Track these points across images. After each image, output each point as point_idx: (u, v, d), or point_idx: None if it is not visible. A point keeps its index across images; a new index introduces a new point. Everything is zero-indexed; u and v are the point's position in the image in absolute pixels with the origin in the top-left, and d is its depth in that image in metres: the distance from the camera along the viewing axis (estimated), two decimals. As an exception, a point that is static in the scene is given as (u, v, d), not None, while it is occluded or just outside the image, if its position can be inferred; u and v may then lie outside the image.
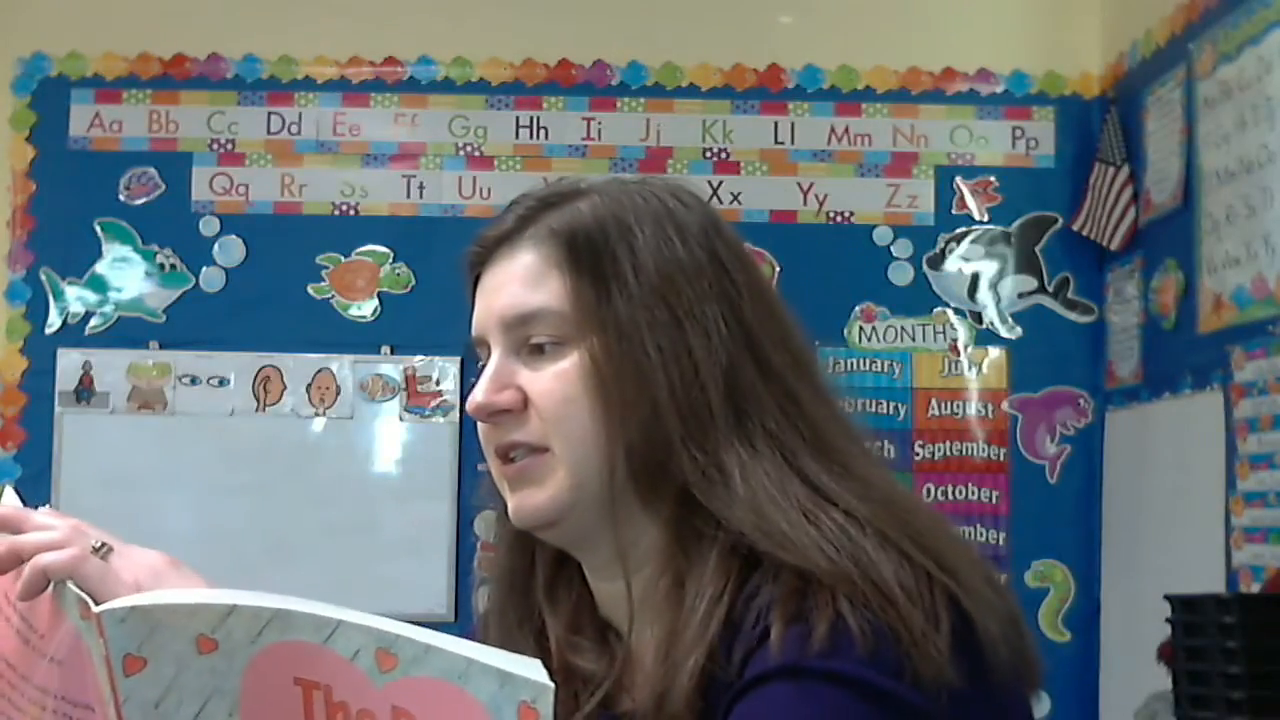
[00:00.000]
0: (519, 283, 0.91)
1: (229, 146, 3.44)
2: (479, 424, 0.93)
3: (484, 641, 0.92)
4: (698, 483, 0.86)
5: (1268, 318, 2.53)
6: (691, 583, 0.85)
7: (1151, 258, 3.06)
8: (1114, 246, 3.19)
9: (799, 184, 3.43)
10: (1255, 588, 2.46)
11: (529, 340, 0.91)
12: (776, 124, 3.46)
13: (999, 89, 3.47)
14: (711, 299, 0.90)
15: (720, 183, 3.43)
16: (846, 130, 3.45)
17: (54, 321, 3.38)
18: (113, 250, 3.40)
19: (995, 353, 3.40)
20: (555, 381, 0.89)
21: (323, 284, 3.39)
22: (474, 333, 0.95)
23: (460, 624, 3.27)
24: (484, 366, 0.94)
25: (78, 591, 0.74)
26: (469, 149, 3.45)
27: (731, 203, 3.41)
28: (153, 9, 3.49)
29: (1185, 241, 2.87)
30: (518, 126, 3.46)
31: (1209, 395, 2.71)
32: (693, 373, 0.87)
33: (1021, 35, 3.50)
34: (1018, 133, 3.44)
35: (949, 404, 3.38)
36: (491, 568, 1.01)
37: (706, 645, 0.81)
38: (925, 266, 3.40)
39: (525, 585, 0.97)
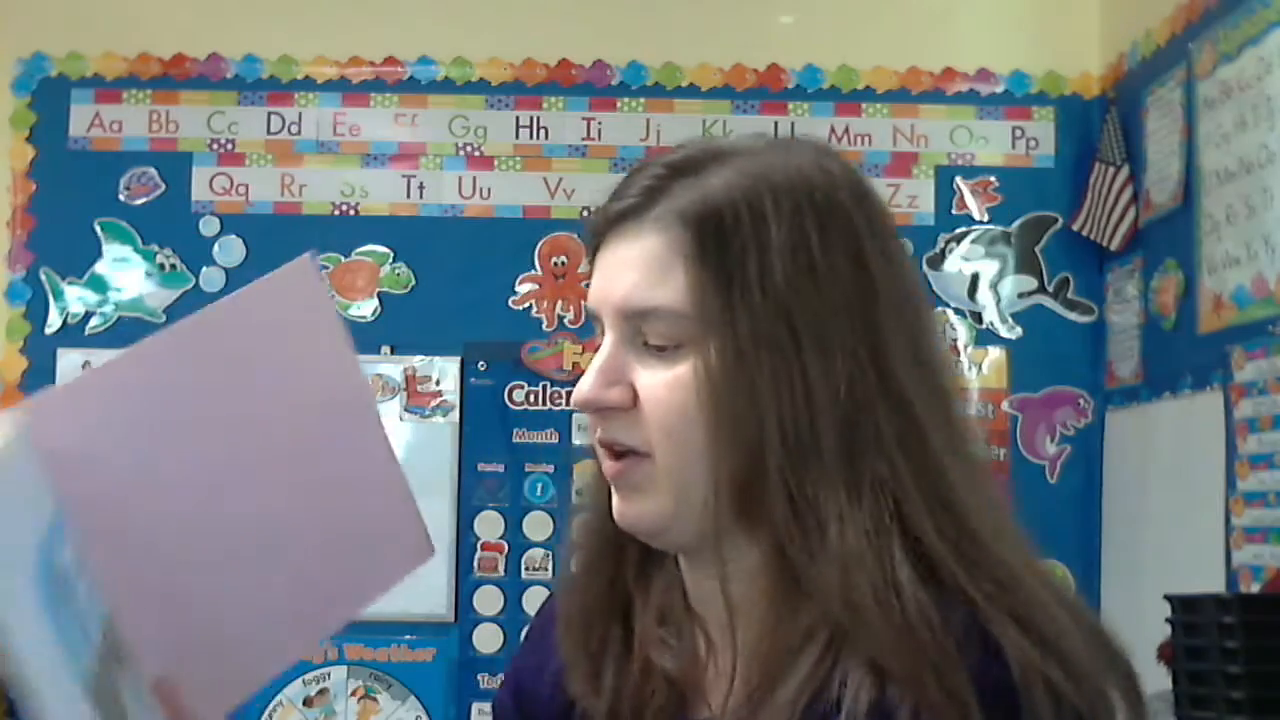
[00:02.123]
0: (640, 271, 0.83)
1: (229, 146, 3.44)
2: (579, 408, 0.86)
3: (564, 619, 0.90)
4: (787, 526, 0.79)
5: (1268, 318, 2.53)
6: (785, 629, 0.80)
7: (1151, 258, 3.06)
8: (1114, 246, 3.19)
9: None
10: (1255, 588, 2.46)
11: (646, 337, 0.83)
12: (776, 124, 3.46)
13: (999, 89, 3.47)
14: (841, 313, 0.80)
15: (720, 183, 3.43)
16: (846, 130, 3.45)
17: (54, 321, 3.38)
18: (113, 250, 3.40)
19: (995, 353, 3.40)
20: (667, 390, 0.81)
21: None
22: (589, 304, 0.88)
23: (460, 624, 3.28)
24: (598, 344, 0.87)
25: None
26: (469, 149, 3.45)
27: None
28: (153, 9, 3.49)
29: (1185, 241, 2.87)
30: (518, 126, 3.46)
31: (1209, 395, 2.71)
32: (805, 401, 0.78)
33: (1021, 35, 3.50)
34: (1018, 133, 3.44)
35: (949, 404, 3.38)
36: (581, 538, 0.93)
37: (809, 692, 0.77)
38: (925, 266, 3.40)
39: (615, 563, 0.91)
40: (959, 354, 3.38)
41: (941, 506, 0.79)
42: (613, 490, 0.86)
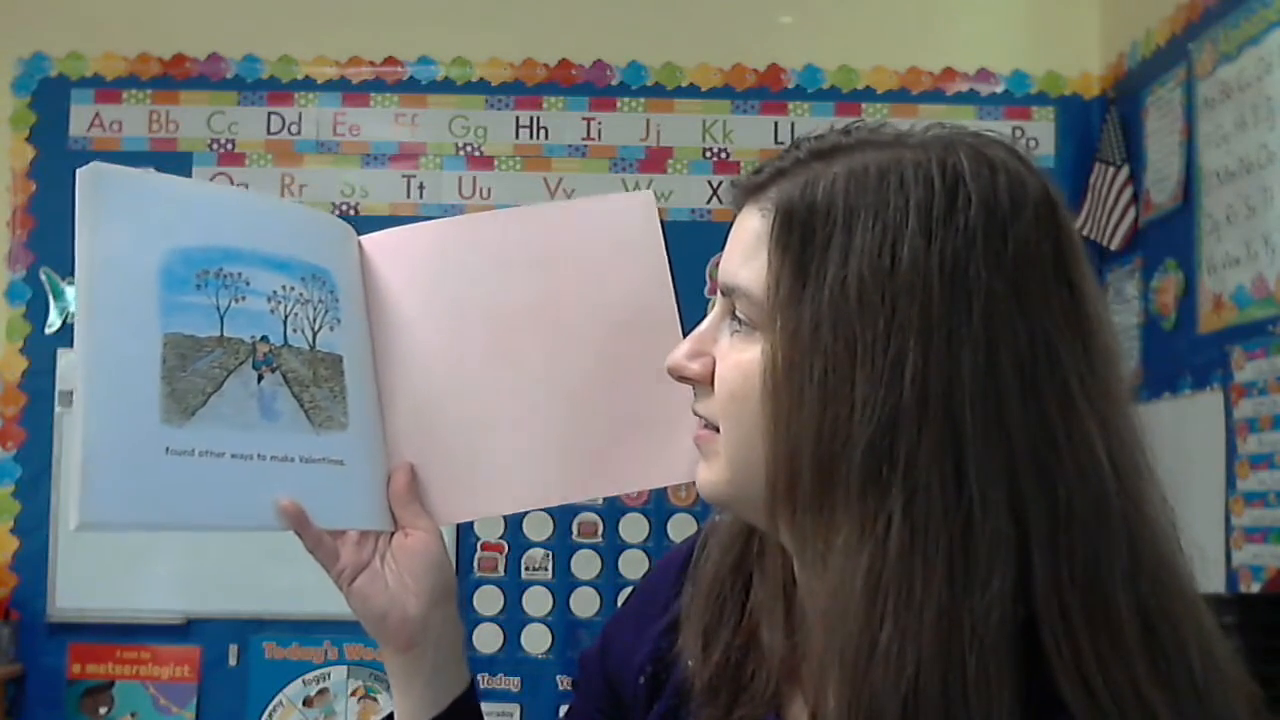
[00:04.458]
0: (739, 249, 0.82)
1: (229, 146, 3.44)
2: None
3: (693, 587, 0.91)
4: (794, 540, 0.78)
5: (1268, 318, 2.53)
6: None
7: (1151, 258, 3.06)
8: (1114, 246, 3.19)
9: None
10: (1255, 588, 2.46)
11: (735, 313, 0.82)
12: (776, 124, 3.46)
13: (999, 89, 3.47)
14: (911, 333, 0.72)
15: (720, 183, 3.43)
16: (846, 130, 3.44)
17: (54, 321, 3.38)
18: (113, 250, 3.40)
19: (995, 353, 3.39)
20: (735, 371, 0.80)
21: (323, 284, 3.39)
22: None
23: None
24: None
25: None
26: (469, 149, 3.45)
27: (732, 203, 3.41)
28: (153, 9, 3.49)
29: (1185, 241, 2.87)
30: (518, 126, 3.46)
31: (1209, 395, 2.71)
32: (844, 415, 0.73)
33: (1021, 35, 3.50)
34: (1018, 133, 3.44)
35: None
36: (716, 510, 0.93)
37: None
38: (925, 266, 3.40)
39: (741, 539, 0.90)
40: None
41: (964, 554, 0.71)
42: None
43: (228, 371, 0.89)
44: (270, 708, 3.26)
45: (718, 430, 0.82)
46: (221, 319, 0.90)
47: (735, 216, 0.85)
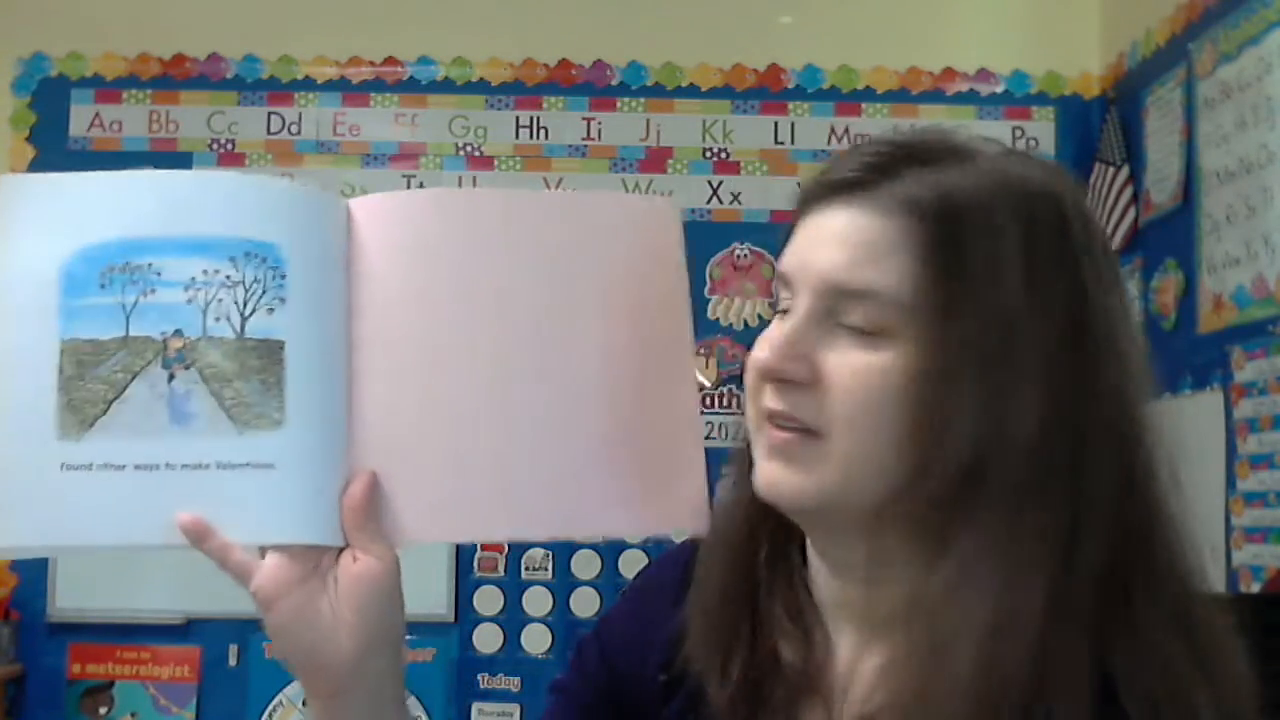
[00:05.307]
0: (852, 249, 0.78)
1: (229, 146, 3.44)
2: (752, 373, 0.83)
3: (699, 599, 0.88)
4: (908, 542, 0.79)
5: (1268, 318, 2.53)
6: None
7: (1151, 258, 3.06)
8: (1114, 246, 3.19)
9: (799, 184, 3.42)
10: (1255, 588, 2.46)
11: (842, 316, 0.79)
12: (776, 124, 3.46)
13: (999, 89, 3.47)
14: (1053, 341, 0.77)
15: (720, 183, 3.43)
16: (846, 130, 3.45)
17: (54, 321, 3.38)
18: (113, 250, 3.40)
19: (995, 353, 3.39)
20: (861, 375, 0.77)
21: (323, 284, 3.39)
22: (781, 268, 0.84)
23: (460, 624, 3.28)
24: (782, 309, 0.83)
25: None
26: (469, 149, 3.45)
27: (731, 203, 3.41)
28: (153, 9, 3.49)
29: (1185, 241, 2.87)
30: (518, 126, 3.46)
31: (1209, 395, 2.71)
32: (995, 426, 0.75)
33: (1021, 35, 3.50)
34: (1018, 133, 3.44)
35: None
36: (723, 517, 0.90)
37: None
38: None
39: (747, 550, 0.88)
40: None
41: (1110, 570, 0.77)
42: (763, 457, 0.83)
43: (132, 375, 0.83)
44: (270, 708, 3.26)
45: (813, 434, 0.79)
46: (127, 318, 0.83)
47: (805, 215, 0.83)
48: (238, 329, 0.84)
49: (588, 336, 0.89)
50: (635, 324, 0.90)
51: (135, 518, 0.81)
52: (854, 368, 0.78)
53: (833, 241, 0.80)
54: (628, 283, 0.91)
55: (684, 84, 3.48)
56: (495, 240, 0.89)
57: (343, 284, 0.88)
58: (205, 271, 0.84)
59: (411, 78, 3.47)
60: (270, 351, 0.84)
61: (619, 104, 3.47)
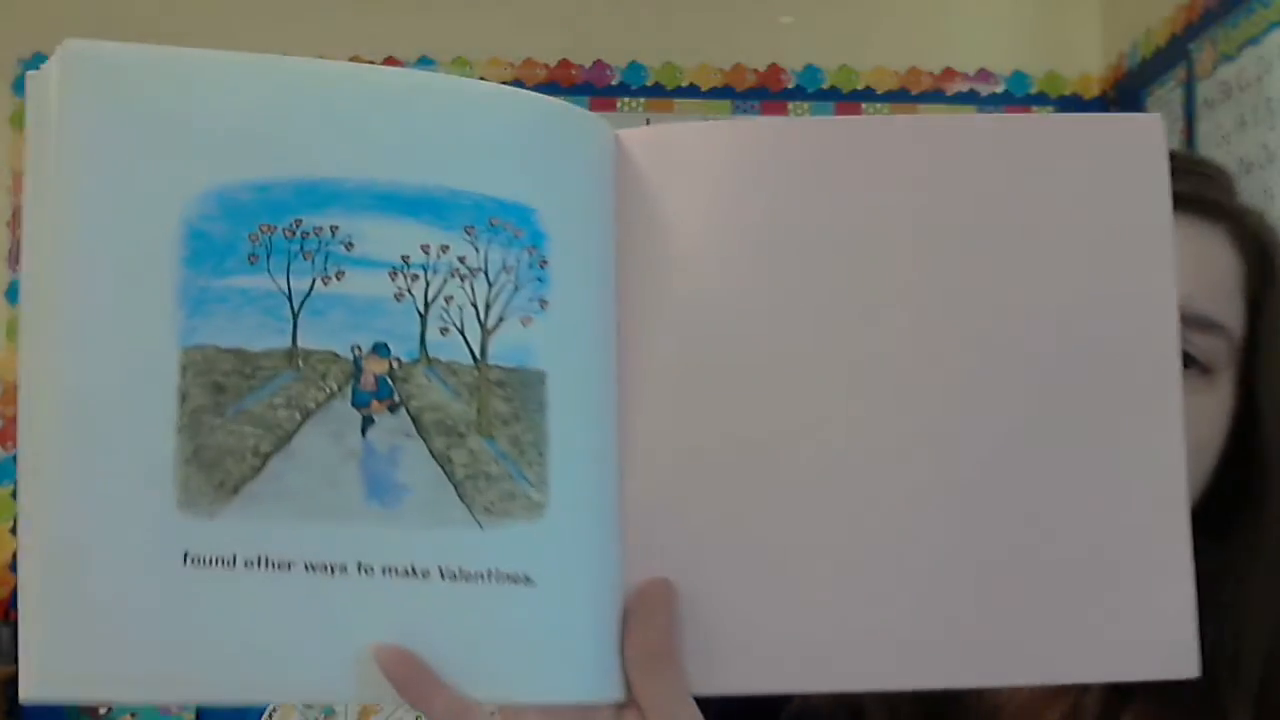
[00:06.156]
0: (1209, 278, 0.71)
1: (229, 146, 3.44)
2: None
3: None
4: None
5: (1268, 318, 2.53)
6: None
7: (1151, 258, 3.06)
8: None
9: None
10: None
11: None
12: (776, 124, 3.46)
13: (999, 89, 3.47)
14: None
15: (720, 183, 3.43)
16: (846, 130, 3.45)
17: (54, 321, 3.38)
18: (113, 250, 3.40)
19: (995, 353, 3.40)
20: (1198, 418, 0.68)
21: (323, 284, 3.39)
22: None
23: None
24: None
25: None
26: (469, 149, 3.45)
27: None
28: (153, 9, 3.49)
29: (1185, 241, 2.87)
30: (518, 126, 3.45)
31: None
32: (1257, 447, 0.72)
33: (1021, 35, 3.50)
34: (1018, 133, 3.44)
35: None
36: None
37: None
38: (925, 266, 3.40)
39: None
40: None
41: None
42: None
43: (304, 414, 0.50)
44: (270, 707, 3.26)
45: None
46: (295, 316, 0.51)
47: None
48: (478, 349, 0.52)
49: (1054, 347, 0.55)
50: (1098, 309, 0.56)
51: (303, 653, 0.49)
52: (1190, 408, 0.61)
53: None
54: (1088, 244, 0.56)
55: (684, 84, 3.48)
56: (890, 209, 0.55)
57: (611, 268, 0.55)
58: (426, 248, 0.51)
59: (411, 78, 3.47)
60: (527, 388, 0.52)
61: (619, 104, 3.47)
